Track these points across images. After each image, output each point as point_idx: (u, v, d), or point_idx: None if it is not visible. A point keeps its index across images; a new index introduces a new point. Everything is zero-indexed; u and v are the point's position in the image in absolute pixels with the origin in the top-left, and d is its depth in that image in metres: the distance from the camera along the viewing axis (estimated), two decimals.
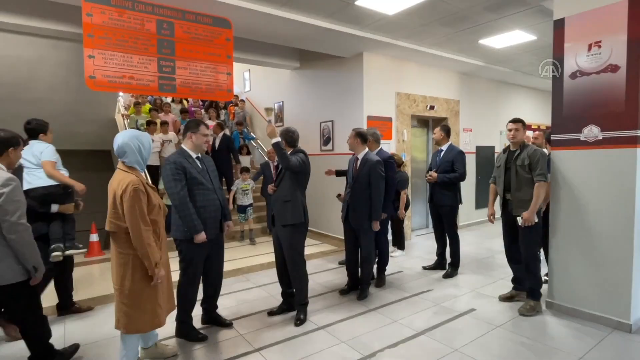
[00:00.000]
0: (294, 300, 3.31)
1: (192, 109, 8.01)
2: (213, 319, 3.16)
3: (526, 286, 3.57)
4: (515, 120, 3.35)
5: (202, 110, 8.63)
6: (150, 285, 2.24)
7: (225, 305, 3.59)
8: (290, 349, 2.78)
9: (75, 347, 2.67)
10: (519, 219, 3.23)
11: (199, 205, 2.77)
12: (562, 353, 2.65)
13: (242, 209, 6.03)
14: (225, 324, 3.15)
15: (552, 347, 2.74)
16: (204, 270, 2.94)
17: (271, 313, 3.37)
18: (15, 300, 2.24)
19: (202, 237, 2.72)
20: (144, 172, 2.43)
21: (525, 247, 3.31)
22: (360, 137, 3.66)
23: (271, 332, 3.04)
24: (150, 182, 2.42)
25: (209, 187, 2.85)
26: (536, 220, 3.20)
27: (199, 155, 2.90)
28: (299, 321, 3.16)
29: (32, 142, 3.20)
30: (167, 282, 2.42)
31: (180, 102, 8.61)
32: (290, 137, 3.16)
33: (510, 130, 3.34)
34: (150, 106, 7.78)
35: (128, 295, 2.20)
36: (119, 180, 2.16)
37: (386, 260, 4.20)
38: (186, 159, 2.77)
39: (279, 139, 3.04)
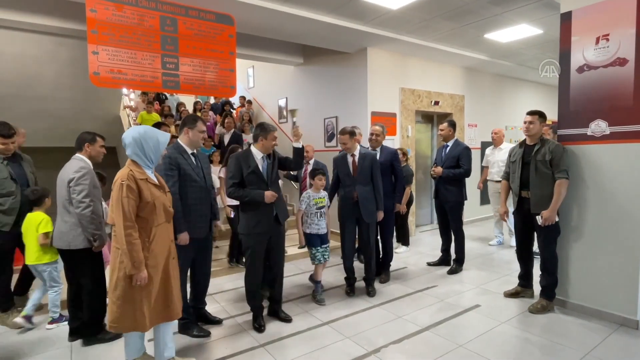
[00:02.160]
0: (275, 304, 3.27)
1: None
2: (202, 317, 3.13)
3: (531, 284, 3.55)
4: (531, 113, 3.25)
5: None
6: (130, 285, 2.12)
7: (230, 301, 3.61)
8: (294, 344, 2.79)
9: (117, 335, 2.81)
10: (538, 218, 3.12)
11: (191, 203, 2.74)
12: (567, 349, 2.63)
13: (316, 240, 3.50)
14: (215, 321, 3.15)
15: (558, 343, 2.72)
16: (191, 269, 2.96)
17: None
18: (80, 264, 2.76)
19: (184, 237, 2.67)
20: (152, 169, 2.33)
21: (544, 246, 3.21)
22: (354, 135, 3.67)
23: (275, 327, 3.06)
24: (155, 179, 2.31)
25: (202, 185, 2.84)
26: (557, 219, 3.11)
27: (194, 151, 2.89)
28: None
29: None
30: (162, 287, 2.26)
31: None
32: None
33: (524, 122, 3.23)
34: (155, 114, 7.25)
35: (113, 289, 2.14)
36: (118, 174, 2.18)
37: (391, 256, 4.20)
38: (181, 154, 2.75)
39: (301, 144, 3.13)
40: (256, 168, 2.95)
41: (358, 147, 3.71)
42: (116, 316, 2.14)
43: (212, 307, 3.44)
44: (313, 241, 3.52)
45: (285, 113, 7.71)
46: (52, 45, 7.95)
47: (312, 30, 4.84)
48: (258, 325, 3.03)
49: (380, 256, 4.22)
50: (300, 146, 3.11)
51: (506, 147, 5.22)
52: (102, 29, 3.34)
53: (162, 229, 2.27)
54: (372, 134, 4.09)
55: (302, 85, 7.05)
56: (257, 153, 3.00)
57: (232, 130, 6.74)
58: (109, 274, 2.21)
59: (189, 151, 2.83)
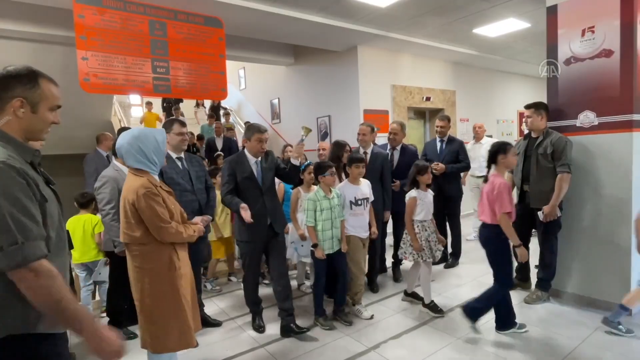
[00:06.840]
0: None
1: None
2: (201, 319, 3.07)
3: (529, 277, 3.57)
4: (527, 107, 3.23)
5: None
6: (173, 301, 1.98)
7: (229, 303, 3.62)
8: (294, 343, 2.81)
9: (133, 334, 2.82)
10: (539, 213, 3.10)
11: None
12: (563, 338, 2.68)
13: None
14: (214, 324, 3.15)
15: (554, 332, 2.77)
16: None
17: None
18: (111, 264, 3.04)
19: None
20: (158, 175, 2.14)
21: (543, 240, 3.21)
22: (373, 130, 3.68)
23: (275, 328, 3.06)
24: (164, 186, 2.12)
25: (187, 188, 2.84)
26: (559, 214, 3.07)
27: (181, 155, 2.89)
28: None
29: None
30: (192, 298, 2.14)
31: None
32: None
33: (525, 116, 3.23)
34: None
35: (150, 313, 1.97)
36: (128, 187, 1.94)
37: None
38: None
39: (299, 161, 3.03)
40: (251, 173, 2.85)
41: (372, 145, 3.71)
42: (163, 339, 1.96)
43: (211, 309, 3.44)
44: None
45: (278, 112, 7.71)
46: (39, 53, 7.86)
47: (302, 30, 4.84)
48: (257, 326, 3.03)
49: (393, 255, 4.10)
50: (298, 164, 3.00)
51: (486, 141, 5.25)
52: (91, 34, 3.33)
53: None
54: (390, 132, 4.03)
55: (294, 85, 7.05)
56: (250, 157, 2.90)
57: (222, 135, 6.75)
58: (135, 299, 2.00)
59: (174, 156, 2.84)
